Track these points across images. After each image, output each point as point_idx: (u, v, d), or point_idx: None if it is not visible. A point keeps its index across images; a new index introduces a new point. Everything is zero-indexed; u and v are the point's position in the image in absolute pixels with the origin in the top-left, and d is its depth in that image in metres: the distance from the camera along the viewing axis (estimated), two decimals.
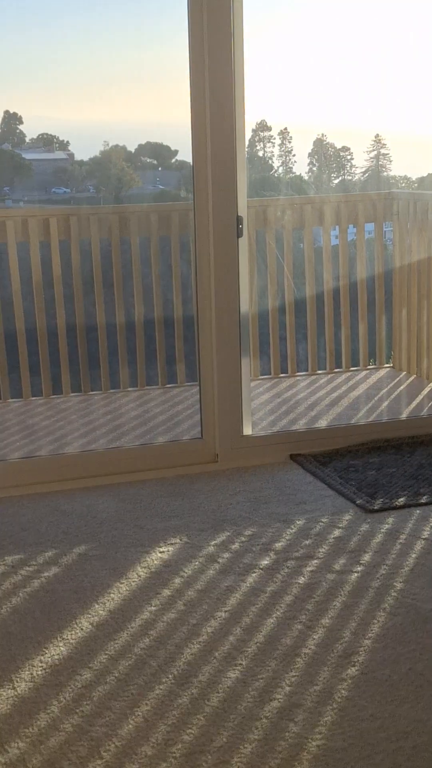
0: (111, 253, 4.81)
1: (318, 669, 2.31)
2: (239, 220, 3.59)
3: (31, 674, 2.32)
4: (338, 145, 5.64)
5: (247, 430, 3.79)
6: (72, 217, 4.74)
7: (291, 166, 5.57)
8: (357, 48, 5.33)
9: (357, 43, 5.30)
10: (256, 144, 5.41)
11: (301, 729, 2.07)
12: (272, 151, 5.49)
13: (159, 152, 5.27)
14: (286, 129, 5.42)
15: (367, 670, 2.30)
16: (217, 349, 3.66)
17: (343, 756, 1.99)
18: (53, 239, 4.68)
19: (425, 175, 5.82)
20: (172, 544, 3.06)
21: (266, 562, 2.91)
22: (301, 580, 2.79)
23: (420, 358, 5.02)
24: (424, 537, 3.07)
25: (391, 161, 5.64)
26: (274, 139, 5.45)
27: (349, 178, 5.73)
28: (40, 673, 2.32)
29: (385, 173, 5.69)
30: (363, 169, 5.71)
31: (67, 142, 5.09)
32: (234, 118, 3.51)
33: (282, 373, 5.10)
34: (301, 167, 5.63)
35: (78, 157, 5.22)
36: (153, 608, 2.64)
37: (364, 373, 5.15)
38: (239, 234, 3.60)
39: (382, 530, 3.13)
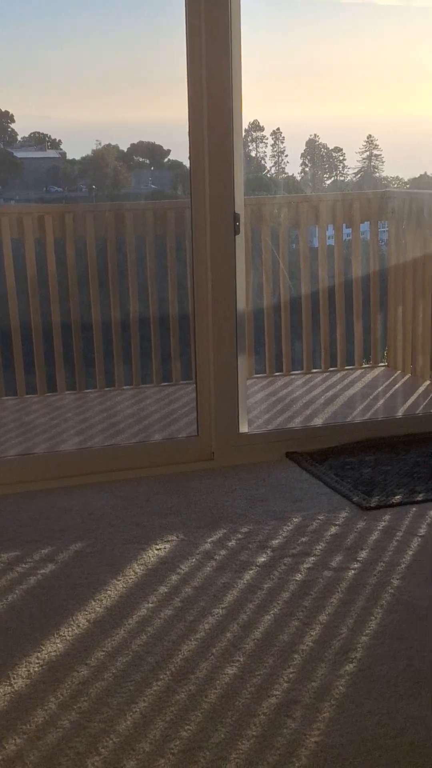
0: (106, 250, 4.80)
1: (315, 665, 2.31)
2: (236, 217, 3.59)
3: (28, 671, 2.31)
4: (331, 146, 5.65)
5: (243, 428, 3.79)
6: (67, 214, 4.73)
7: (284, 166, 5.58)
8: (350, 49, 5.34)
9: (351, 43, 5.31)
10: (249, 144, 5.41)
11: (298, 725, 2.07)
12: (265, 152, 5.50)
13: (152, 152, 5.26)
14: (278, 129, 5.42)
15: (364, 667, 2.30)
16: (213, 346, 3.66)
17: (341, 752, 1.99)
18: (48, 237, 4.67)
19: (417, 176, 5.83)
20: (168, 541, 3.06)
21: (263, 560, 2.91)
22: (298, 577, 2.79)
23: (415, 356, 5.03)
24: (420, 534, 3.07)
25: (383, 162, 5.65)
26: (267, 139, 5.46)
27: (342, 178, 5.74)
28: (37, 669, 2.32)
29: (377, 174, 5.70)
30: (355, 170, 5.72)
31: (59, 141, 5.08)
32: (231, 115, 3.51)
33: (277, 371, 5.10)
34: (294, 167, 5.64)
35: (70, 156, 5.22)
36: (150, 605, 2.64)
37: (359, 371, 5.16)
38: (236, 231, 3.60)
39: (379, 528, 3.13)
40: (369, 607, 2.59)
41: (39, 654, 2.39)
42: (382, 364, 5.29)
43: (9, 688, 2.24)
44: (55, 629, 2.51)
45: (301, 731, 2.05)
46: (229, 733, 2.05)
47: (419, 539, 3.04)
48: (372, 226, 5.17)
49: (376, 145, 5.61)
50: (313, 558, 2.91)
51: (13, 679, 2.28)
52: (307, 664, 2.32)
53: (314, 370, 5.15)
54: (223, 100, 3.49)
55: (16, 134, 5.06)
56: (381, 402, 4.65)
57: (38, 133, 5.10)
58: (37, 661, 2.36)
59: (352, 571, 2.81)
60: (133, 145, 5.28)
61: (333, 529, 3.12)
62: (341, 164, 5.76)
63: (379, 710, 2.13)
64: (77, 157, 5.33)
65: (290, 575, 2.80)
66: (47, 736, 2.06)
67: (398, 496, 3.38)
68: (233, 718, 2.10)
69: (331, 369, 5.17)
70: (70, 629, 2.51)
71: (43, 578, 2.81)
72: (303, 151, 5.62)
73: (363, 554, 2.93)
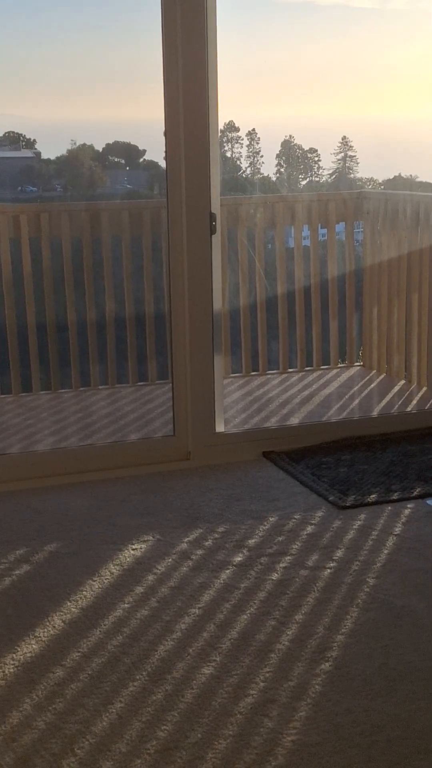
0: (82, 250, 4.78)
1: (292, 665, 2.31)
2: (212, 217, 3.59)
3: (3, 672, 2.29)
4: (306, 147, 5.66)
5: (220, 428, 3.79)
6: (43, 214, 4.70)
7: (259, 167, 5.59)
8: (325, 50, 5.36)
9: (325, 45, 5.33)
10: (224, 145, 5.41)
11: (275, 724, 2.07)
12: (240, 152, 5.50)
13: (127, 152, 5.25)
14: (254, 130, 5.43)
15: (340, 665, 2.30)
16: (190, 346, 3.65)
17: (318, 750, 1.99)
18: (23, 236, 4.64)
19: (392, 177, 5.87)
20: (144, 541, 3.05)
21: (239, 559, 2.91)
22: (274, 576, 2.79)
23: (390, 356, 5.06)
24: (395, 533, 3.09)
25: (357, 163, 5.68)
26: (242, 139, 5.46)
27: (317, 179, 5.76)
28: (12, 670, 2.30)
29: (351, 175, 5.73)
30: (330, 171, 5.74)
31: (34, 140, 5.05)
32: (207, 115, 3.51)
33: (253, 371, 5.10)
34: (269, 168, 5.65)
35: (45, 155, 5.19)
36: (126, 605, 2.62)
37: (334, 371, 5.17)
38: (212, 231, 3.59)
39: (355, 527, 3.14)
40: (345, 605, 2.60)
41: (14, 655, 2.37)
42: (358, 363, 5.31)
43: None
44: (30, 630, 2.49)
45: (277, 730, 2.05)
46: (205, 733, 2.05)
47: (395, 538, 3.05)
48: (348, 227, 5.19)
49: (350, 146, 5.63)
50: (289, 557, 2.91)
51: None
52: (284, 663, 2.32)
53: (290, 370, 5.16)
54: (199, 99, 3.48)
55: None
56: (357, 401, 4.67)
57: (12, 132, 5.07)
58: (12, 662, 2.34)
59: (328, 570, 2.82)
60: (108, 144, 5.26)
61: (309, 529, 3.13)
62: (316, 165, 5.78)
63: (355, 708, 2.13)
64: (52, 157, 5.30)
65: (267, 574, 2.80)
66: (22, 737, 2.04)
67: (374, 495, 3.39)
68: (210, 718, 2.10)
69: (307, 368, 5.18)
70: (45, 630, 2.49)
71: (18, 579, 2.79)
72: (278, 152, 5.63)
73: (339, 553, 2.94)
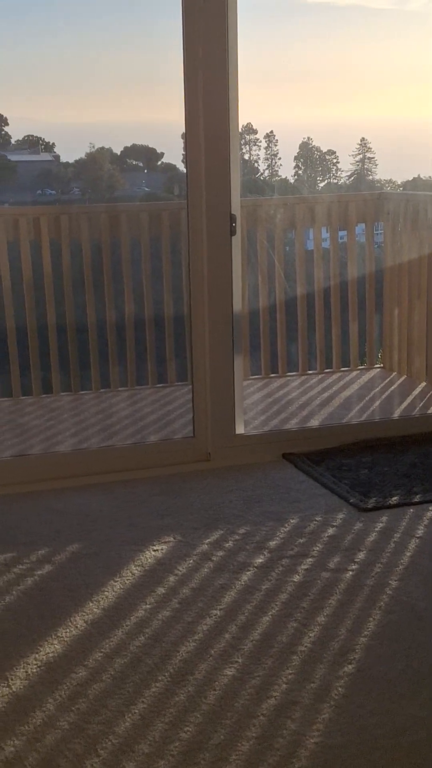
0: (101, 252, 4.79)
1: (314, 666, 2.30)
2: (232, 218, 3.58)
3: (26, 672, 2.30)
4: (324, 149, 5.65)
5: (240, 429, 3.78)
6: (62, 216, 4.72)
7: (277, 169, 5.58)
8: (343, 52, 5.35)
9: (344, 46, 5.32)
10: (243, 147, 5.41)
11: (298, 726, 2.07)
12: (258, 154, 5.50)
13: (145, 154, 5.26)
14: (272, 132, 5.43)
15: (363, 668, 2.29)
16: (209, 347, 3.65)
17: (341, 753, 1.98)
18: (44, 238, 4.66)
19: (410, 178, 5.84)
20: (165, 542, 3.05)
21: (260, 561, 2.90)
22: (296, 578, 2.78)
23: (411, 358, 5.03)
24: (417, 535, 3.07)
25: (376, 165, 5.66)
26: (260, 142, 5.46)
27: (335, 181, 5.75)
28: (35, 670, 2.31)
29: (370, 177, 5.71)
30: (349, 173, 5.72)
31: (53, 143, 5.07)
32: (228, 116, 3.51)
33: (273, 373, 5.10)
34: (287, 170, 5.64)
35: (64, 158, 5.21)
36: (148, 606, 2.62)
37: (354, 373, 5.16)
38: (232, 232, 3.59)
39: (376, 529, 3.13)
40: (367, 608, 2.59)
41: (37, 655, 2.37)
42: (378, 365, 5.29)
43: (7, 689, 2.23)
44: (52, 630, 2.49)
45: (300, 732, 2.05)
46: (228, 735, 2.04)
47: (417, 540, 3.03)
48: (368, 228, 5.18)
49: (369, 147, 5.62)
50: (310, 559, 2.90)
51: (11, 680, 2.27)
52: (306, 665, 2.31)
53: (310, 372, 5.15)
54: (219, 101, 3.48)
55: (10, 137, 5.06)
56: (377, 403, 4.65)
57: (32, 136, 5.09)
58: (35, 662, 2.34)
59: (350, 573, 2.81)
60: (126, 147, 5.27)
61: (330, 531, 3.12)
62: (335, 167, 5.77)
63: (378, 710, 2.12)
64: (71, 160, 5.32)
65: (288, 576, 2.79)
66: (46, 737, 2.04)
67: (395, 497, 3.37)
68: (232, 720, 2.10)
69: (327, 370, 5.16)
70: (67, 630, 2.49)
71: (40, 579, 2.80)
72: (296, 154, 5.63)
73: (361, 555, 2.92)
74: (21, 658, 2.36)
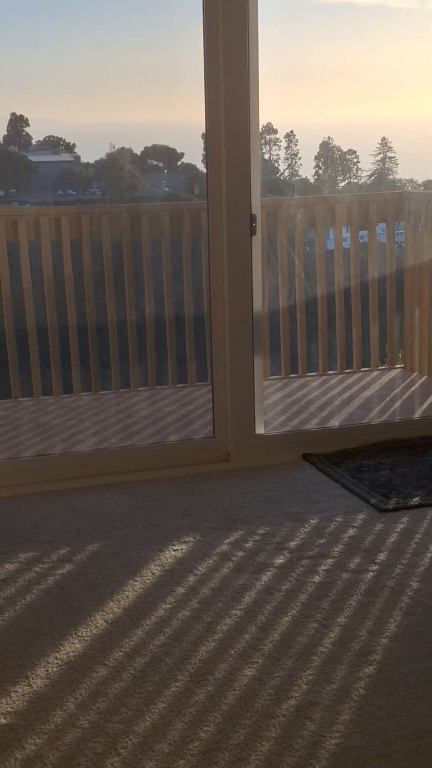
0: (122, 252, 4.81)
1: (335, 667, 2.30)
2: (253, 218, 3.58)
3: (47, 671, 2.31)
4: (344, 148, 5.63)
5: (260, 429, 3.78)
6: (83, 216, 4.74)
7: (297, 168, 5.57)
8: (363, 51, 5.33)
9: (364, 45, 5.30)
10: (262, 147, 5.40)
11: (318, 727, 2.06)
12: (278, 154, 5.49)
13: (165, 155, 5.27)
14: (292, 132, 5.41)
15: (384, 669, 2.29)
16: (230, 347, 3.65)
17: (361, 754, 1.98)
18: (65, 238, 4.68)
19: (431, 178, 5.81)
20: (185, 542, 3.05)
21: (280, 561, 2.90)
22: (316, 579, 2.78)
23: None
24: None
25: (397, 164, 5.63)
26: (280, 141, 5.45)
27: (355, 181, 5.72)
28: (55, 669, 2.32)
29: (391, 176, 5.68)
30: (369, 172, 5.70)
31: (74, 144, 5.09)
32: (248, 116, 3.51)
33: (293, 373, 5.09)
34: (307, 170, 5.62)
35: (84, 159, 5.22)
36: (168, 606, 2.63)
37: (375, 373, 5.14)
38: (253, 232, 3.59)
39: (397, 530, 3.12)
40: (388, 609, 2.58)
41: (57, 654, 2.39)
42: (399, 366, 5.26)
43: (28, 687, 2.24)
44: (73, 629, 2.51)
45: (320, 733, 2.04)
46: (248, 735, 2.04)
47: None
48: (388, 228, 5.16)
49: (390, 147, 5.59)
50: (330, 560, 2.90)
51: (32, 678, 2.28)
52: (326, 666, 2.31)
53: (330, 372, 5.13)
54: (240, 101, 3.48)
55: (31, 138, 5.08)
56: (398, 404, 4.63)
57: (53, 136, 5.11)
58: (55, 660, 2.36)
59: (371, 573, 2.80)
60: (146, 148, 5.28)
61: (351, 531, 3.11)
62: (355, 166, 5.75)
63: (398, 712, 2.11)
64: (91, 161, 5.34)
65: (308, 577, 2.79)
66: (66, 736, 2.06)
67: (416, 498, 3.36)
68: (252, 720, 2.10)
69: (347, 371, 5.15)
70: (88, 629, 2.50)
71: (60, 578, 2.81)
72: (316, 154, 5.61)
73: (381, 556, 2.91)
74: (42, 657, 2.37)
